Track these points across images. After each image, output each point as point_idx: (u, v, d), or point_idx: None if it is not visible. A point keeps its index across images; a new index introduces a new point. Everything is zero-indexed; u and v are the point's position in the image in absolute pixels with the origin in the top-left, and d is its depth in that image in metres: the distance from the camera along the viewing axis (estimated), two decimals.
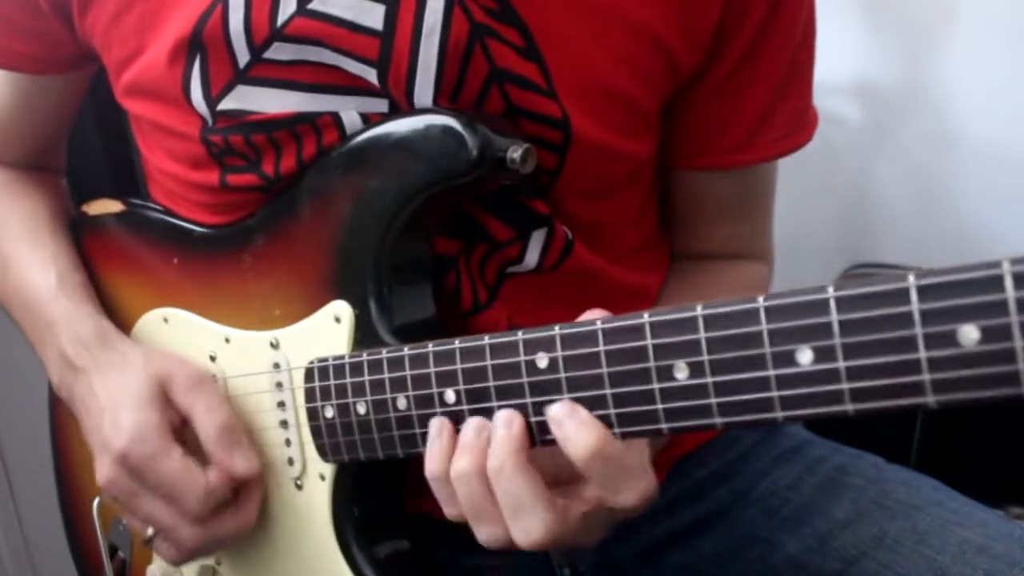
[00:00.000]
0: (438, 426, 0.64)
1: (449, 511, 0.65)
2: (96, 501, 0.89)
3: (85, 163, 1.10)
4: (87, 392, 0.80)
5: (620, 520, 0.63)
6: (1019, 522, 0.87)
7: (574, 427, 0.58)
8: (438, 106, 0.73)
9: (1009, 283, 0.45)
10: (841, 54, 1.60)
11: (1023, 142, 1.56)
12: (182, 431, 0.76)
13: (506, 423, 0.61)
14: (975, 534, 0.80)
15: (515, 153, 0.69)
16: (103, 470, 0.76)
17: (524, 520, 0.60)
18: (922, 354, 0.47)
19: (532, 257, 0.79)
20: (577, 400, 0.59)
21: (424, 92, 0.72)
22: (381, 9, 0.71)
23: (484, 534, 0.64)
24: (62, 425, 0.98)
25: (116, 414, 0.75)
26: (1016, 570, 0.77)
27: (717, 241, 0.91)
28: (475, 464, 0.62)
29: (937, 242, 1.64)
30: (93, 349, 0.81)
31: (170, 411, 0.76)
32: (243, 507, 0.77)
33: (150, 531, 0.76)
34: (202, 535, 0.75)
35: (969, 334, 0.46)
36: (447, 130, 0.69)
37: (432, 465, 0.64)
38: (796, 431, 0.96)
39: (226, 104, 0.75)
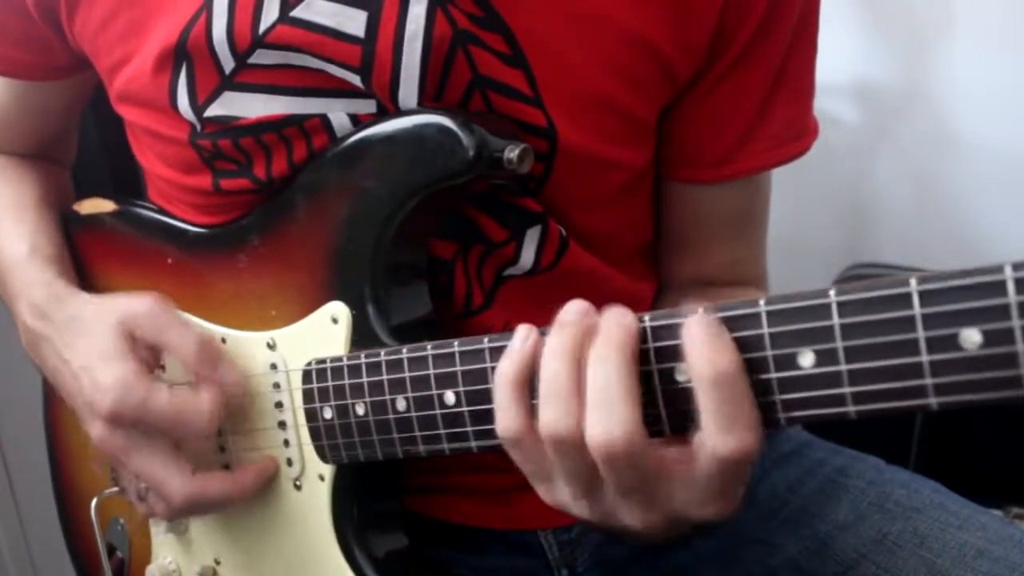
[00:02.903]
0: (524, 333, 0.59)
1: (507, 415, 0.59)
2: (94, 501, 0.89)
3: (85, 163, 1.09)
4: (56, 359, 0.80)
5: (682, 520, 0.58)
6: (1018, 523, 0.87)
7: (714, 347, 0.53)
8: (429, 106, 0.72)
9: (1011, 287, 0.45)
10: (840, 56, 1.60)
11: (1021, 142, 1.56)
12: (156, 366, 0.77)
13: (620, 315, 0.56)
14: (975, 537, 0.80)
15: (512, 153, 0.68)
16: (96, 431, 0.75)
17: (606, 413, 0.54)
18: (924, 357, 0.47)
19: (528, 257, 0.79)
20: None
21: (409, 97, 0.72)
22: (363, 16, 0.71)
23: (550, 416, 0.56)
24: (57, 425, 0.98)
25: (92, 373, 0.75)
26: (1016, 574, 0.77)
27: (716, 266, 0.90)
28: (573, 341, 0.56)
29: (936, 242, 1.64)
30: (49, 313, 0.81)
31: (142, 351, 0.76)
32: (240, 473, 0.77)
33: (142, 486, 0.77)
34: (196, 489, 0.74)
35: (971, 337, 0.46)
36: (443, 130, 0.69)
37: (512, 361, 0.58)
38: (796, 433, 0.96)
39: (213, 111, 0.75)
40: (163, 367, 0.79)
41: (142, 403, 0.73)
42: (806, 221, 1.66)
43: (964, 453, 1.44)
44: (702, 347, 0.53)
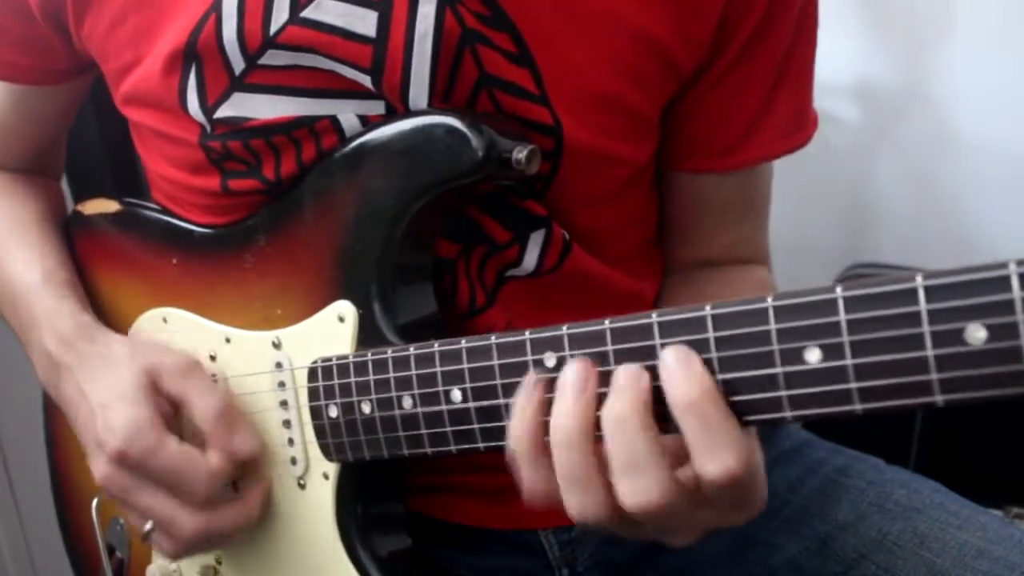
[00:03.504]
0: (530, 383, 0.59)
1: (531, 480, 0.60)
2: (95, 501, 0.88)
3: (86, 163, 1.09)
4: (74, 390, 0.79)
5: (713, 523, 0.60)
6: (1018, 523, 0.87)
7: (682, 376, 0.55)
8: (438, 107, 0.73)
9: (1015, 283, 0.45)
10: (841, 56, 1.61)
11: (1021, 142, 1.57)
12: (174, 420, 0.76)
13: (634, 376, 0.56)
14: (975, 537, 0.80)
15: (520, 154, 0.69)
16: (100, 469, 0.75)
17: (640, 480, 0.55)
18: (930, 352, 0.48)
19: (531, 259, 0.79)
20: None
21: (419, 97, 0.73)
22: (374, 16, 0.71)
23: (577, 502, 0.58)
24: (57, 427, 0.98)
25: (107, 412, 0.75)
26: (1016, 574, 0.77)
27: (719, 247, 0.91)
28: (583, 419, 0.57)
29: (936, 242, 1.65)
30: (76, 345, 0.81)
31: (161, 401, 0.76)
32: (245, 502, 0.77)
33: (148, 525, 0.76)
34: (203, 526, 0.74)
35: (976, 333, 0.46)
36: (451, 130, 0.69)
37: (520, 427, 0.59)
38: (796, 432, 0.96)
39: (223, 112, 0.76)
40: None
41: (149, 450, 0.73)
42: (806, 221, 1.67)
43: (964, 453, 1.44)
44: (673, 376, 0.55)
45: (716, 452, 0.54)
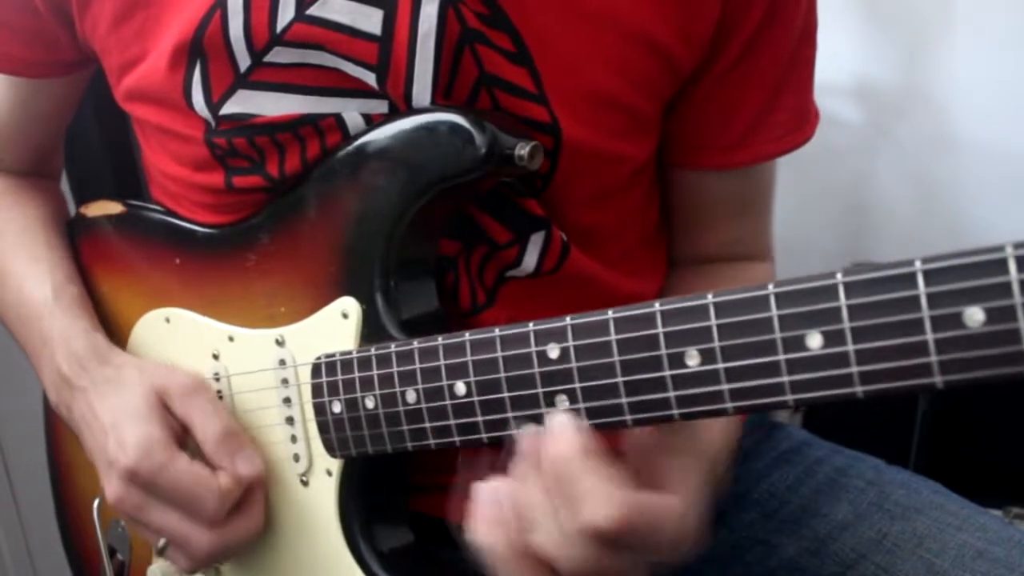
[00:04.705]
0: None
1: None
2: (96, 502, 0.88)
3: (87, 163, 1.09)
4: (87, 411, 0.80)
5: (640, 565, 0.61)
6: (1018, 524, 0.87)
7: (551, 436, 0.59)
8: (441, 104, 0.73)
9: (1012, 266, 0.46)
10: (841, 56, 1.62)
11: (1021, 142, 1.57)
12: (185, 438, 0.77)
13: (532, 440, 0.60)
14: (974, 538, 0.81)
15: (523, 150, 0.69)
16: (112, 488, 0.76)
17: (539, 534, 0.59)
18: (929, 336, 0.48)
19: (530, 261, 0.80)
20: (589, 389, 0.60)
21: (422, 95, 0.73)
22: (379, 14, 0.72)
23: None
24: (57, 428, 0.98)
25: (119, 431, 0.75)
26: (1015, 575, 0.77)
27: (719, 244, 0.91)
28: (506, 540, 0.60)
29: (936, 242, 1.64)
30: (89, 367, 0.81)
31: (171, 420, 0.76)
32: (251, 510, 0.77)
33: (162, 542, 0.76)
34: (217, 541, 0.75)
35: (974, 316, 0.47)
36: (455, 127, 0.70)
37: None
38: (796, 431, 0.96)
39: (228, 108, 0.76)
40: None
41: (159, 470, 0.73)
42: (806, 221, 1.67)
43: (964, 453, 1.44)
44: (547, 437, 0.59)
45: (571, 507, 0.56)
